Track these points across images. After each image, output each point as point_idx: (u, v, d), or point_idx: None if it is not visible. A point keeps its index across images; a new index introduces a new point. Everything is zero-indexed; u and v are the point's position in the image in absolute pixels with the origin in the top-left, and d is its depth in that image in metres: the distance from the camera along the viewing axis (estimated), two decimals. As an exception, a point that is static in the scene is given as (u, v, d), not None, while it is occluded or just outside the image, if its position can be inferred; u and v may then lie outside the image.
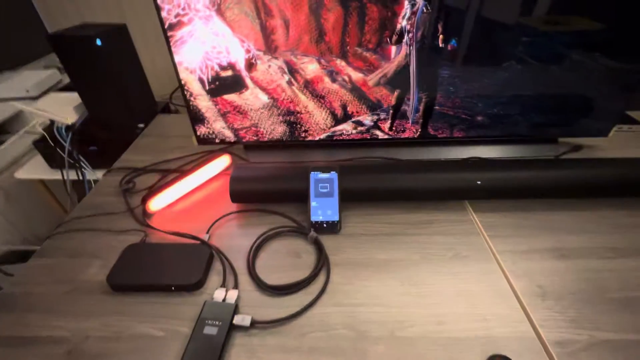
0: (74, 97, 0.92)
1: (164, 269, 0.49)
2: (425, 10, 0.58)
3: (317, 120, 0.72)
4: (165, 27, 0.59)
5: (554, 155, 0.75)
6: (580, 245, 0.53)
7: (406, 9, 0.58)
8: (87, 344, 0.42)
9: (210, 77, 0.65)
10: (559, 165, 0.64)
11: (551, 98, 0.70)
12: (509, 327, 0.43)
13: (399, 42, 0.62)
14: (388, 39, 0.61)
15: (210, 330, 0.41)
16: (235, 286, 0.48)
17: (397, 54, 0.63)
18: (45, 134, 0.89)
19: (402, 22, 0.60)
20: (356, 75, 0.66)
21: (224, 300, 0.45)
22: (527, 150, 0.76)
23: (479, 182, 0.59)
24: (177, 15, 0.59)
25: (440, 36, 0.61)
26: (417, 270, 0.50)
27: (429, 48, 0.62)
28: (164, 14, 0.58)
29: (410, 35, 0.61)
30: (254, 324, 0.43)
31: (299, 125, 0.72)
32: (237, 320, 0.43)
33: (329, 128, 0.73)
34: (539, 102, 0.70)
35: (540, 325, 0.43)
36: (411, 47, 0.62)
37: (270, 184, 0.60)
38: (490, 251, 0.53)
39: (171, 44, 0.61)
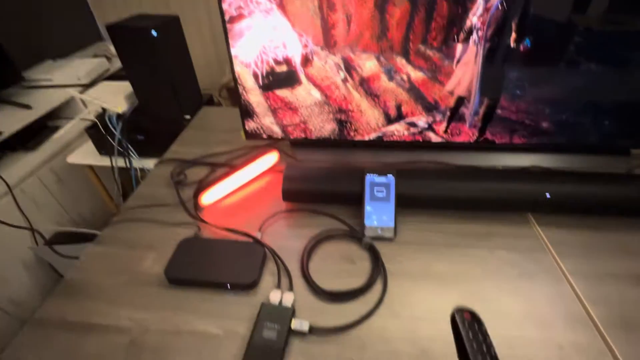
0: (124, 86, 0.94)
1: (219, 265, 0.49)
2: (499, 7, 0.54)
3: (369, 120, 0.69)
4: (226, 19, 0.59)
5: (627, 168, 0.68)
6: (665, 272, 0.48)
7: (479, 5, 0.54)
8: (148, 337, 0.42)
9: (264, 71, 0.64)
10: (637, 181, 0.58)
11: (629, 106, 0.64)
12: (589, 358, 0.39)
13: (466, 40, 0.58)
14: (455, 37, 0.57)
15: (269, 333, 0.40)
16: (290, 289, 0.47)
17: (463, 55, 0.59)
18: (97, 122, 0.92)
19: (473, 19, 0.56)
20: (416, 75, 0.63)
21: (280, 302, 0.44)
22: (594, 161, 0.70)
23: (548, 195, 0.55)
24: (238, 7, 0.58)
25: (513, 35, 0.56)
26: (480, 287, 0.47)
27: (498, 48, 0.58)
28: (225, 5, 0.57)
29: (480, 33, 0.57)
30: (312, 330, 0.42)
31: (349, 124, 0.70)
32: (295, 325, 0.42)
33: (380, 128, 0.70)
34: (615, 109, 0.64)
35: None
36: (479, 46, 0.58)
37: (323, 184, 0.58)
38: (560, 271, 0.49)
39: (229, 36, 0.60)
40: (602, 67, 0.59)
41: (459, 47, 0.59)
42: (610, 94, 0.62)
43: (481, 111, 0.66)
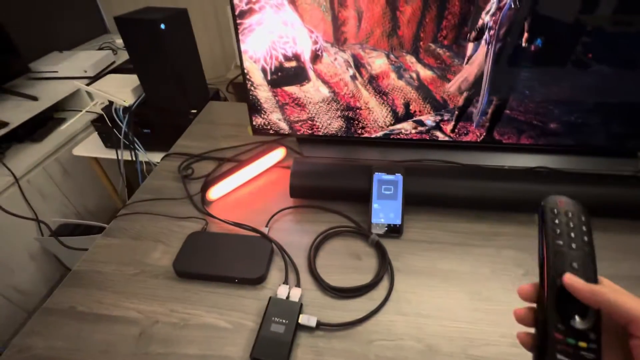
0: (131, 79, 0.94)
1: (227, 260, 0.49)
2: (513, 6, 0.54)
3: (376, 118, 0.69)
4: (236, 13, 0.58)
5: (633, 171, 0.68)
6: (670, 274, 0.49)
7: (492, 3, 0.54)
8: (157, 328, 0.43)
9: (273, 67, 0.64)
10: (644, 183, 0.58)
11: (636, 107, 0.64)
12: (594, 358, 0.39)
13: (477, 39, 0.58)
14: (467, 36, 0.57)
15: (277, 327, 0.41)
16: (298, 284, 0.47)
17: (474, 53, 0.59)
18: (104, 114, 0.92)
19: (485, 18, 0.55)
20: (425, 73, 0.63)
21: (287, 297, 0.45)
22: (601, 163, 0.70)
23: (556, 196, 0.54)
24: (249, 2, 0.58)
25: (526, 35, 0.56)
26: (487, 286, 0.48)
27: (509, 47, 0.58)
28: (235, 0, 0.57)
29: (492, 32, 0.56)
30: (319, 325, 0.42)
31: (356, 122, 0.70)
32: (303, 320, 0.42)
33: (388, 126, 0.70)
34: (623, 111, 0.64)
35: None
36: (490, 46, 0.58)
37: (331, 181, 0.58)
38: (566, 272, 0.49)
39: (239, 31, 0.60)
40: (612, 68, 0.58)
41: (470, 47, 0.59)
42: (620, 96, 0.62)
43: (490, 111, 0.66)
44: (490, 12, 0.55)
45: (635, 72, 0.59)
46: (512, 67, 0.60)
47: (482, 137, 0.69)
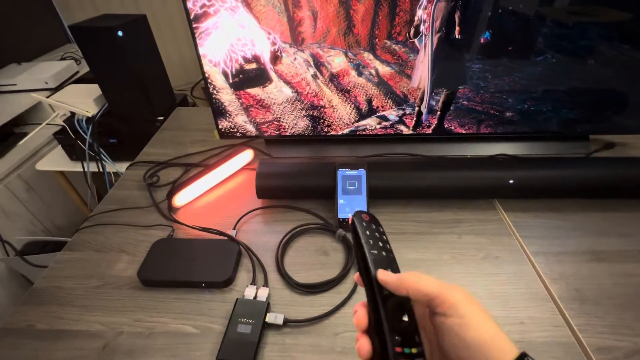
0: (93, 89, 0.92)
1: (193, 265, 0.49)
2: (442, -2, 0.56)
3: (341, 115, 0.70)
4: (191, 18, 0.58)
5: (585, 153, 0.72)
6: (617, 248, 0.52)
7: (422, -2, 0.56)
8: (121, 340, 0.42)
9: (234, 70, 0.64)
10: (593, 164, 0.62)
11: (584, 93, 0.67)
12: (547, 331, 0.42)
13: (416, 35, 0.59)
14: (407, 33, 0.59)
15: (243, 328, 0.41)
16: (265, 284, 0.48)
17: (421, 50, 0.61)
18: (66, 126, 0.89)
19: (419, 12, 0.57)
20: (384, 69, 0.64)
21: (255, 297, 0.45)
22: (556, 147, 0.74)
23: (511, 181, 0.57)
24: (203, 5, 0.57)
25: (457, 28, 0.58)
26: (449, 271, 0.49)
27: (448, 39, 0.59)
28: (189, 4, 0.57)
29: (427, 25, 0.58)
30: (286, 322, 0.43)
31: (322, 120, 0.71)
32: (270, 318, 0.42)
33: (353, 123, 0.71)
34: (571, 97, 0.67)
35: (580, 330, 0.41)
36: (427, 38, 0.60)
37: (296, 180, 0.59)
38: (523, 253, 0.52)
39: (196, 35, 0.60)
40: (560, 57, 0.62)
41: (424, 41, 0.60)
42: (569, 82, 0.65)
43: (440, 103, 0.68)
44: (422, 6, 0.56)
45: (579, 60, 0.62)
46: (453, 59, 0.62)
47: (432, 127, 0.71)
